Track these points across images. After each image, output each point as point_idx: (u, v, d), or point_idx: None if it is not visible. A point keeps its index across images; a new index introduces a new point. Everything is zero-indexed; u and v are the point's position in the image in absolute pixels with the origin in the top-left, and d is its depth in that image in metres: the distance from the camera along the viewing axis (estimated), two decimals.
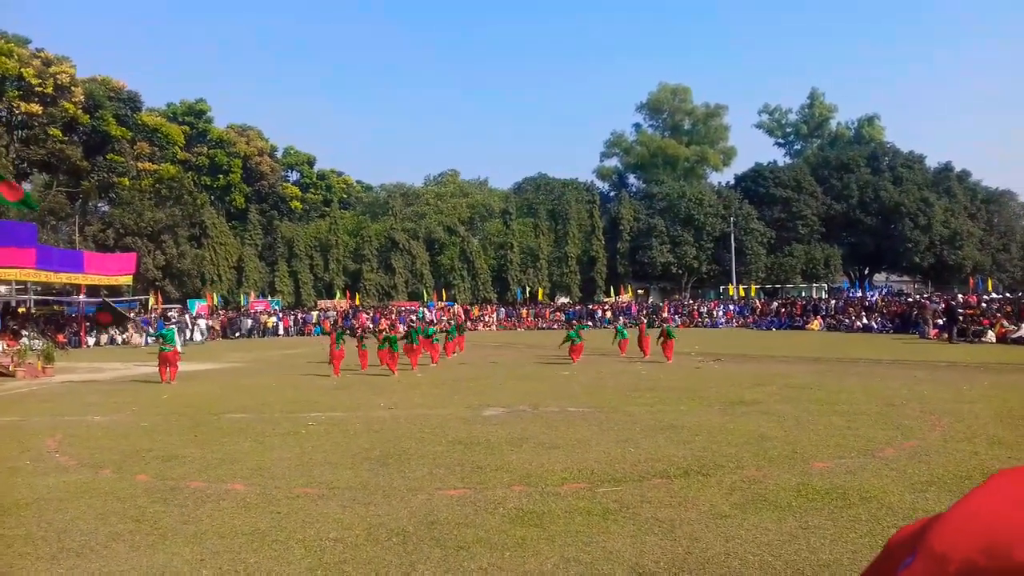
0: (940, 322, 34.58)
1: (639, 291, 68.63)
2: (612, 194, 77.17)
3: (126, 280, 47.12)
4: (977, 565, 0.71)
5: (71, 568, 5.60)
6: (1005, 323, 30.40)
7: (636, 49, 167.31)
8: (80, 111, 57.74)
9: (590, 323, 51.62)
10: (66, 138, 57.44)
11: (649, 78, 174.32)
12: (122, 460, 9.57)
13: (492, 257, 67.33)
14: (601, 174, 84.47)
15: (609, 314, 55.06)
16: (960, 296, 42.75)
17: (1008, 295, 47.73)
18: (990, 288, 52.78)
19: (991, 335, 29.75)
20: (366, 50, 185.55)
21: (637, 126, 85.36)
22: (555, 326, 52.98)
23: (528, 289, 64.23)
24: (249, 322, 53.39)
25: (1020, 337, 28.46)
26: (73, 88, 57.27)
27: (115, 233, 56.46)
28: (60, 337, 39.75)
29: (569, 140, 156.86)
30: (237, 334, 51.62)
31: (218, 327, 51.36)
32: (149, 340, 40.50)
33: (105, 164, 59.69)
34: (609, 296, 62.57)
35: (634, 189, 78.56)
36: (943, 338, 31.85)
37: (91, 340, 42.87)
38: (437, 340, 25.28)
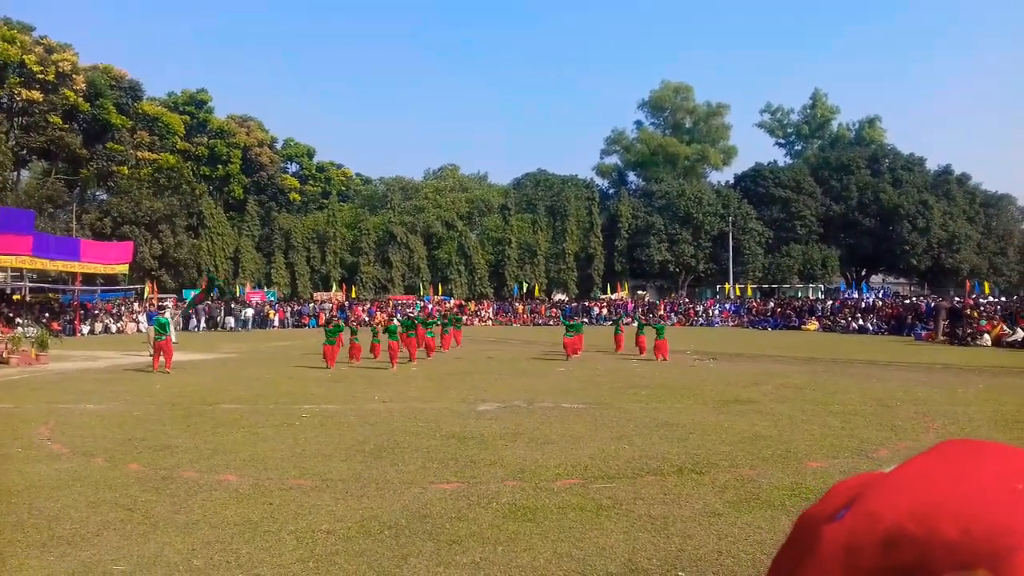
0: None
1: (638, 289, 68.66)
2: (611, 191, 77.19)
3: (122, 269, 47.10)
4: (905, 528, 0.71)
5: (61, 556, 5.57)
6: (1004, 327, 30.43)
7: (639, 47, 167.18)
8: (81, 99, 57.81)
9: (586, 320, 51.56)
10: (66, 126, 57.50)
11: (651, 76, 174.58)
12: (114, 449, 9.54)
13: (490, 252, 67.25)
14: (601, 171, 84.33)
15: (605, 311, 55.03)
16: (957, 299, 42.88)
17: (1004, 299, 47.77)
18: (987, 291, 52.79)
19: (987, 338, 29.80)
20: (368, 44, 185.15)
21: (638, 124, 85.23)
22: (551, 322, 52.94)
23: (525, 285, 64.19)
24: (249, 311, 52.59)
25: (1015, 341, 28.50)
26: (74, 76, 57.30)
27: (112, 222, 56.42)
28: (55, 325, 39.62)
29: (569, 136, 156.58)
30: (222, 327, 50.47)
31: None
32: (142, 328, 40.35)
33: (104, 152, 59.77)
34: (606, 293, 62.58)
35: (633, 187, 78.45)
36: (940, 340, 31.96)
37: (85, 328, 42.78)
38: (432, 334, 25.23)
